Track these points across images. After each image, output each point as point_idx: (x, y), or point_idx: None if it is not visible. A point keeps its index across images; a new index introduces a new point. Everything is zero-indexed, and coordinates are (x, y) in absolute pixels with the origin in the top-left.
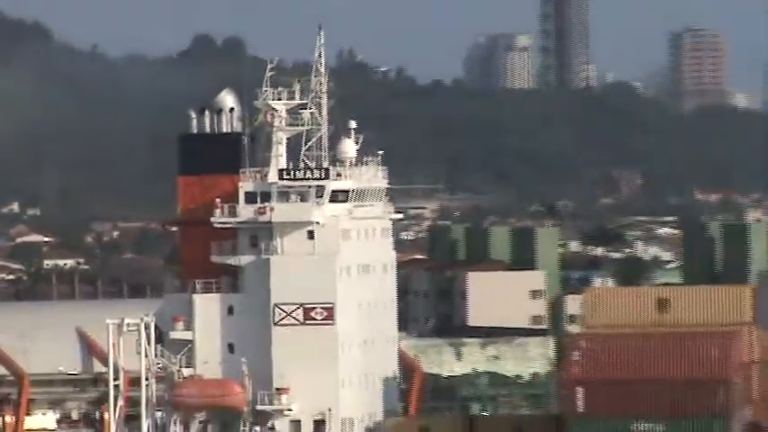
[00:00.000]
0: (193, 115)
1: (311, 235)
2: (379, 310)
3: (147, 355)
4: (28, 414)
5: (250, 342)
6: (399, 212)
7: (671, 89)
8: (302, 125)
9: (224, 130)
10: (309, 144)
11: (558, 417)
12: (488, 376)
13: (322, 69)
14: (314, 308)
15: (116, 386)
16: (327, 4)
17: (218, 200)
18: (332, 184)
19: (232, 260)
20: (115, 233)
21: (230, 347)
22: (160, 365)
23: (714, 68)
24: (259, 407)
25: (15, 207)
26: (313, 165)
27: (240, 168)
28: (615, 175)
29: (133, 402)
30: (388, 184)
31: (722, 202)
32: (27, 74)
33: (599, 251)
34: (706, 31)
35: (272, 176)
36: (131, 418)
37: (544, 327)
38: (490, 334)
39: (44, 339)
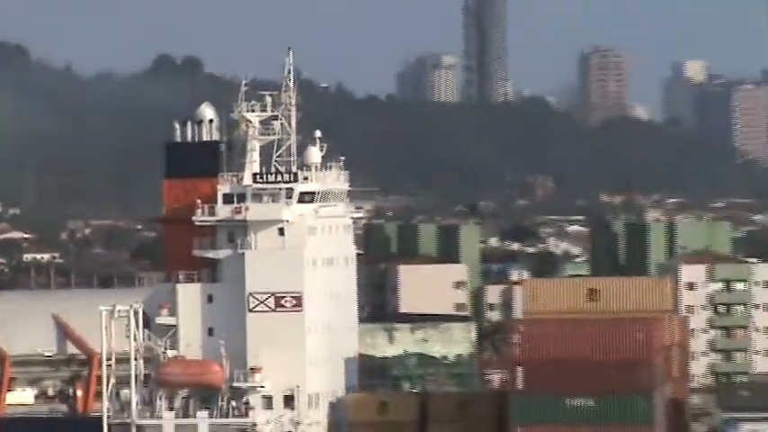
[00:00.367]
0: (177, 126)
1: (281, 232)
2: (341, 298)
3: (135, 339)
4: (9, 390)
5: (227, 326)
6: (359, 210)
7: (580, 103)
8: (273, 134)
9: (204, 138)
10: (280, 151)
11: (501, 393)
12: (417, 357)
13: (291, 85)
14: (284, 296)
15: (108, 365)
16: (275, 27)
17: (198, 200)
18: (300, 187)
19: (211, 254)
20: (87, 230)
21: (210, 331)
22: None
23: (618, 85)
24: (235, 384)
25: None
26: (283, 169)
27: (218, 173)
28: (530, 180)
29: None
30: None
31: (625, 203)
32: (8, 90)
33: (515, 246)
34: (611, 52)
35: (247, 180)
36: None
37: (466, 314)
38: (419, 320)
39: (23, 324)
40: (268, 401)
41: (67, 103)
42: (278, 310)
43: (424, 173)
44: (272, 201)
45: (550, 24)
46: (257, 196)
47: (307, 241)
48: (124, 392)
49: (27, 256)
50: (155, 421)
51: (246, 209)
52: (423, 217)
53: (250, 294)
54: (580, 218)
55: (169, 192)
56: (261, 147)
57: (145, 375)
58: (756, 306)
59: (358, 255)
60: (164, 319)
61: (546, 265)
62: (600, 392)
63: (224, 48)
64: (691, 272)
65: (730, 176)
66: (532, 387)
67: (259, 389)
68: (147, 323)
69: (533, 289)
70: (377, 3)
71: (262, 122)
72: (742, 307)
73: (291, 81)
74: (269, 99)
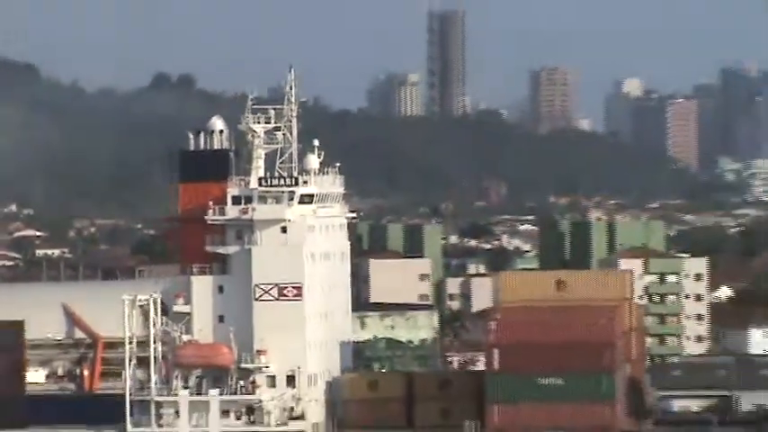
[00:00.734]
0: (191, 136)
1: (284, 230)
2: (336, 288)
3: (154, 324)
4: None
5: (236, 314)
6: (353, 212)
7: (530, 115)
8: (277, 143)
9: (215, 147)
10: (282, 158)
11: (479, 373)
12: (386, 341)
13: (293, 99)
14: (286, 287)
15: (130, 348)
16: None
17: (210, 202)
18: (300, 190)
19: (222, 249)
20: (92, 229)
21: (220, 318)
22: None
23: (563, 99)
24: (243, 365)
25: (13, 208)
26: (285, 174)
27: (228, 177)
28: (486, 184)
29: (107, 362)
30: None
31: (570, 204)
32: (21, 104)
33: (473, 243)
34: (557, 70)
35: (253, 183)
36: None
37: (429, 303)
38: (387, 308)
39: (36, 312)
40: (272, 380)
41: (74, 116)
42: (281, 299)
43: (392, 178)
44: (276, 202)
45: (504, 45)
46: (262, 198)
47: (306, 238)
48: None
49: (39, 252)
50: (171, 398)
51: (253, 209)
52: (391, 217)
53: (256, 285)
54: (530, 217)
55: (184, 194)
56: (265, 154)
57: (162, 357)
58: (687, 296)
59: None
60: (180, 307)
61: (500, 260)
62: (568, 372)
63: (213, 66)
64: (628, 265)
65: (664, 181)
66: (507, 368)
67: (264, 369)
68: (165, 311)
69: (508, 280)
70: (350, 26)
71: (266, 133)
72: (674, 297)
73: (293, 96)
74: (272, 112)
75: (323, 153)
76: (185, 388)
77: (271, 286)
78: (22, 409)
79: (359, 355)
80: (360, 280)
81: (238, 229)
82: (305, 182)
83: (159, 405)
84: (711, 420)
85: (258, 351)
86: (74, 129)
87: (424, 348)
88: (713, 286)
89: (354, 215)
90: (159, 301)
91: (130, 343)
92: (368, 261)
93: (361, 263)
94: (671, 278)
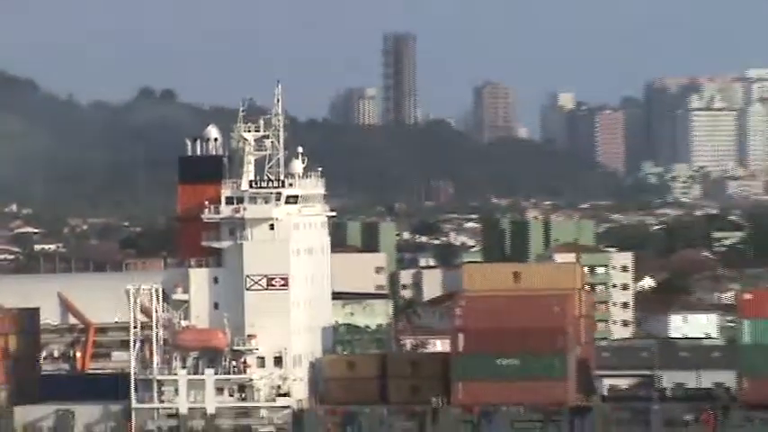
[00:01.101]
0: (189, 143)
1: (272, 227)
2: (318, 279)
3: (156, 311)
4: None
5: (229, 302)
6: (333, 211)
7: (474, 125)
8: (265, 150)
9: (210, 153)
10: (271, 163)
11: (445, 354)
12: (346, 327)
13: (279, 111)
14: (274, 278)
15: (134, 332)
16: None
17: (206, 202)
18: (286, 191)
19: (217, 244)
20: (84, 226)
21: (215, 306)
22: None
23: (504, 111)
24: (235, 347)
25: (14, 207)
26: (273, 178)
27: (222, 180)
28: (435, 186)
29: (98, 344)
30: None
31: (510, 205)
32: (22, 116)
33: (423, 239)
34: (499, 85)
35: (245, 186)
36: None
37: (385, 292)
38: (347, 297)
39: (35, 300)
40: (261, 361)
41: (70, 126)
42: (269, 288)
43: (351, 180)
44: (265, 202)
45: (451, 63)
46: (253, 199)
47: (291, 234)
48: (116, 354)
49: (37, 247)
50: (171, 377)
51: (244, 209)
52: (350, 215)
53: (247, 276)
54: (474, 216)
55: (182, 195)
56: (255, 160)
57: (164, 340)
58: (614, 286)
59: None
60: (179, 296)
61: (447, 255)
62: (524, 354)
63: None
64: (562, 259)
65: (594, 184)
66: (470, 349)
67: (254, 351)
68: (166, 299)
69: (471, 272)
70: (315, 47)
71: (256, 140)
72: (602, 286)
73: (280, 108)
74: (262, 122)
75: (306, 158)
76: (184, 368)
77: (260, 277)
78: (38, 386)
79: None
80: None
81: (231, 227)
82: (290, 184)
83: (160, 383)
84: (653, 396)
85: (249, 335)
86: (69, 137)
87: (381, 333)
88: (637, 277)
89: (334, 213)
90: (161, 290)
91: (135, 327)
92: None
93: None
94: (600, 270)
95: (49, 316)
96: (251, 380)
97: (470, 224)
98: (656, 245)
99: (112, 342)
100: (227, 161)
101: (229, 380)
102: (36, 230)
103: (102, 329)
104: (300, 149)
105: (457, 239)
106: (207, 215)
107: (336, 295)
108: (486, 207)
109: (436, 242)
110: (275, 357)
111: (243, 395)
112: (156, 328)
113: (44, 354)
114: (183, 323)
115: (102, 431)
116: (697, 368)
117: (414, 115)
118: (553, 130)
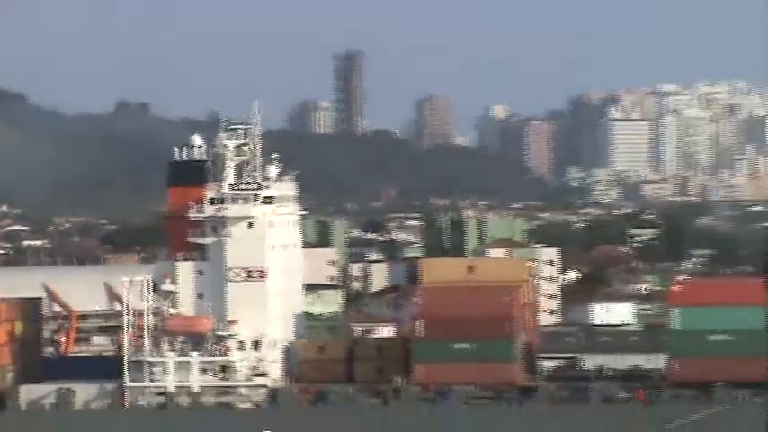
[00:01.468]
0: (176, 150)
1: (250, 225)
2: (292, 272)
3: (147, 301)
4: None
5: (213, 292)
6: (305, 210)
7: (416, 133)
8: (244, 156)
9: (195, 158)
10: (249, 168)
11: (406, 339)
12: (303, 314)
13: (258, 122)
14: (252, 270)
15: (128, 320)
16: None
17: (192, 202)
18: (263, 193)
19: (201, 241)
20: (67, 225)
21: (200, 296)
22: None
23: (444, 121)
24: (218, 333)
25: (5, 208)
26: (251, 180)
27: (206, 182)
28: (380, 188)
29: (80, 330)
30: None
31: (448, 205)
32: (11, 126)
33: (371, 236)
34: (439, 97)
35: (226, 188)
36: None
37: (337, 284)
38: (303, 288)
39: (23, 291)
40: (241, 345)
41: (55, 136)
42: (248, 280)
43: (307, 183)
44: (244, 203)
45: (395, 76)
46: (233, 199)
47: (268, 232)
48: (95, 338)
49: (25, 243)
50: (160, 359)
51: (226, 208)
52: (305, 214)
53: (228, 269)
54: (416, 215)
55: (171, 196)
56: (235, 165)
57: (154, 326)
58: (542, 278)
59: None
60: (167, 286)
61: (392, 250)
62: (477, 338)
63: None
64: (496, 254)
65: (524, 186)
66: (429, 334)
67: (235, 336)
68: (155, 289)
69: (429, 265)
70: (272, 63)
71: (236, 148)
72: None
73: (258, 120)
74: (241, 131)
75: (282, 164)
76: (172, 351)
77: (240, 270)
78: (41, 367)
79: None
80: None
81: (214, 225)
82: (267, 186)
83: (151, 364)
84: (590, 377)
85: (230, 321)
86: (55, 145)
87: (333, 320)
88: (563, 270)
89: (306, 213)
90: (151, 281)
91: (128, 314)
92: None
93: None
94: (529, 264)
95: None
96: (232, 362)
97: (413, 222)
98: (579, 241)
99: (92, 328)
100: (211, 166)
101: (212, 362)
102: (24, 228)
103: (83, 316)
104: (276, 155)
105: (400, 236)
106: (193, 214)
107: None
108: (426, 207)
109: (382, 239)
110: (253, 342)
111: (224, 375)
112: (147, 315)
113: None
114: (171, 311)
115: (99, 407)
116: (617, 351)
117: (362, 125)
118: (487, 139)
